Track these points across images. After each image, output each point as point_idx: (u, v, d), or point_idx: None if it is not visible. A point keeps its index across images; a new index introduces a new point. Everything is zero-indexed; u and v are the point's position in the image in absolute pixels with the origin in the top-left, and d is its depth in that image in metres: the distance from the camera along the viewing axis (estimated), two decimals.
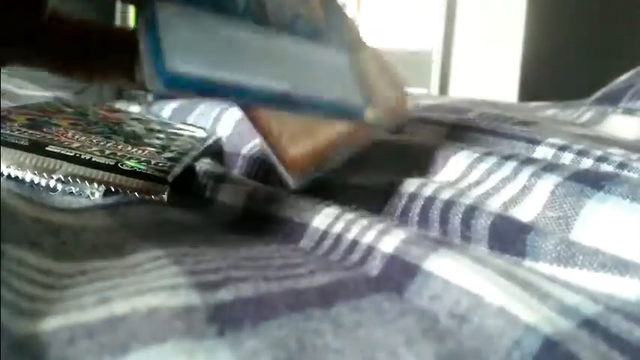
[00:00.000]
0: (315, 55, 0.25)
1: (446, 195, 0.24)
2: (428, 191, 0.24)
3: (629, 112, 0.47)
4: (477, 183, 0.26)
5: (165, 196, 0.27)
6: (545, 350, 0.14)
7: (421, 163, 0.28)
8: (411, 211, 0.24)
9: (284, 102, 0.22)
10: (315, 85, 0.24)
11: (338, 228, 0.22)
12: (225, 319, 0.15)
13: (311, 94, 0.23)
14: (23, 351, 0.13)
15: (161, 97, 0.22)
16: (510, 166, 0.26)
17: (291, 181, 0.27)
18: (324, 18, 0.26)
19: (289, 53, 0.24)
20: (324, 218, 0.23)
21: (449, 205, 0.23)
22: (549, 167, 0.25)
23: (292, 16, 0.25)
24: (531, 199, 0.23)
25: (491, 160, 0.27)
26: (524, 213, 0.23)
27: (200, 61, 0.21)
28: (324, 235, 0.22)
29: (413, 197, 0.24)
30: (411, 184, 0.26)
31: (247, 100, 0.22)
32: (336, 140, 0.27)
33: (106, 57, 0.24)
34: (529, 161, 0.26)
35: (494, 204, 0.24)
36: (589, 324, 0.15)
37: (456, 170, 0.27)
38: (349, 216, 0.22)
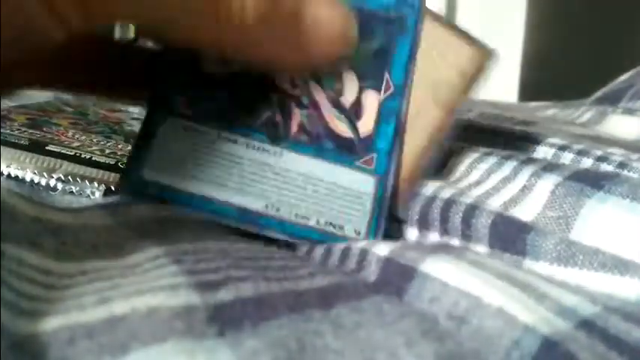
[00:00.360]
0: (328, 178, 0.23)
1: (446, 194, 0.24)
2: (428, 191, 0.24)
3: (629, 112, 0.47)
4: (477, 183, 0.26)
5: None
6: (544, 350, 0.14)
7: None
8: (410, 209, 0.24)
9: (251, 222, 0.23)
10: (300, 207, 0.23)
11: None
12: (225, 319, 0.15)
13: (288, 218, 0.23)
14: (23, 351, 0.13)
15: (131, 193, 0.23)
16: (510, 165, 0.26)
17: (401, 212, 0.25)
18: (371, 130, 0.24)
19: (293, 175, 0.23)
20: None
21: (449, 203, 0.23)
22: (549, 167, 0.25)
23: (322, 134, 0.24)
24: (531, 199, 0.23)
25: (491, 160, 0.27)
26: (524, 213, 0.23)
27: (174, 172, 0.22)
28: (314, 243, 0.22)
29: (413, 196, 0.24)
30: None
31: (217, 215, 0.23)
32: (426, 145, 0.25)
33: (118, 74, 0.24)
34: (529, 161, 0.26)
35: (495, 203, 0.24)
36: (587, 324, 0.15)
37: (456, 170, 0.27)
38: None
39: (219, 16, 0.18)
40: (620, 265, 0.18)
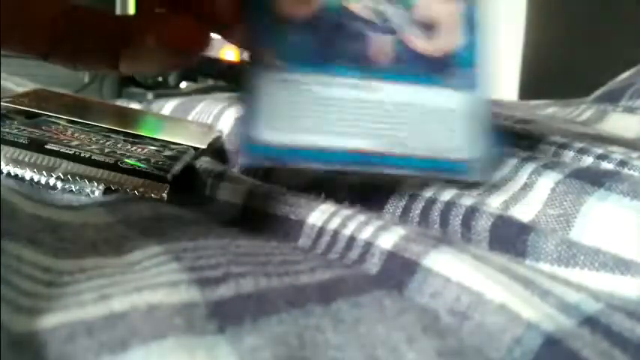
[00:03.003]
0: (421, 102, 0.23)
1: (446, 196, 0.23)
2: (428, 193, 0.24)
3: (630, 110, 0.47)
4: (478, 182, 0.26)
5: (165, 195, 0.27)
6: (546, 347, 0.14)
7: None
8: (411, 212, 0.24)
9: (374, 164, 0.23)
10: (414, 141, 0.23)
11: (334, 224, 0.22)
12: (225, 315, 0.15)
13: (406, 151, 0.23)
14: (23, 348, 0.13)
15: (251, 164, 0.23)
16: (511, 164, 0.26)
17: None
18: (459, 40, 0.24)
19: (389, 107, 0.23)
20: (320, 214, 0.22)
21: (449, 206, 0.23)
22: (550, 164, 0.25)
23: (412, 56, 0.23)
24: (532, 197, 0.23)
25: None
26: (524, 211, 0.23)
27: (288, 129, 0.22)
28: (321, 231, 0.22)
29: (414, 197, 0.24)
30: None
31: (335, 164, 0.22)
32: None
33: (92, 43, 0.23)
34: (529, 159, 0.26)
35: (495, 203, 0.24)
36: (590, 322, 0.15)
37: None
38: (346, 212, 0.22)
39: None
40: (621, 265, 0.18)
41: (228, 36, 0.24)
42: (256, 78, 0.22)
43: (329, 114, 0.22)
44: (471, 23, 0.24)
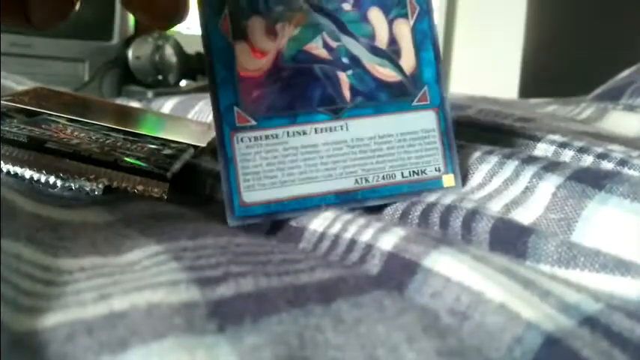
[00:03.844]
0: (394, 130, 0.24)
1: (447, 200, 0.23)
2: (429, 197, 0.24)
3: (630, 108, 0.47)
4: (480, 186, 0.26)
5: (164, 194, 0.27)
6: (546, 347, 0.14)
7: None
8: (411, 214, 0.24)
9: (360, 200, 0.23)
10: (394, 168, 0.24)
11: (335, 229, 0.22)
12: (225, 315, 0.15)
13: (389, 181, 0.24)
14: (23, 347, 0.13)
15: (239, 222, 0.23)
16: (512, 165, 0.26)
17: None
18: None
19: (365, 142, 0.24)
20: (322, 221, 0.23)
21: (450, 209, 0.23)
22: (550, 167, 0.24)
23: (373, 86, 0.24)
24: (533, 201, 0.23)
25: (492, 160, 0.26)
26: (525, 215, 0.23)
27: (270, 186, 0.22)
28: (322, 236, 0.22)
29: (414, 201, 0.24)
30: None
31: (315, 207, 0.23)
32: None
33: None
34: (530, 160, 0.25)
35: (496, 206, 0.24)
36: (590, 322, 0.15)
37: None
38: (346, 217, 0.22)
39: None
40: (621, 266, 0.18)
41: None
42: (229, 140, 0.22)
43: (307, 162, 0.23)
44: (424, 38, 0.25)
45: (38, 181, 0.26)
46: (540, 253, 0.20)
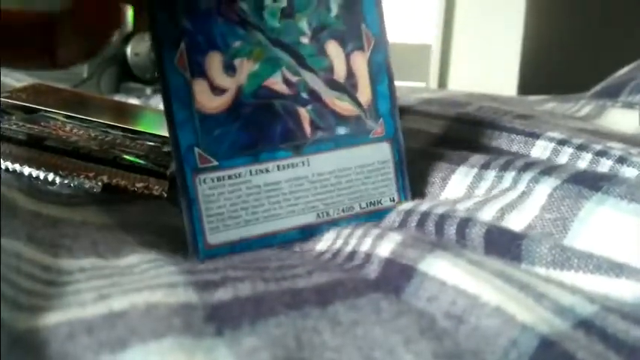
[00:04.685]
0: (354, 163, 0.24)
1: (440, 210, 0.23)
2: (423, 207, 0.24)
3: (629, 105, 0.47)
4: (479, 198, 0.26)
5: (164, 192, 0.27)
6: (541, 350, 0.14)
7: (418, 187, 0.28)
8: (407, 224, 0.24)
9: (323, 231, 0.24)
10: (354, 200, 0.24)
11: (337, 244, 0.22)
12: (223, 318, 0.15)
13: (349, 213, 0.24)
14: (23, 346, 0.13)
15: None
16: (509, 177, 0.25)
17: None
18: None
19: (326, 176, 0.24)
20: (324, 242, 0.23)
21: (444, 217, 0.23)
22: (548, 170, 0.24)
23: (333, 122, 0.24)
24: (529, 203, 0.23)
25: (490, 175, 0.26)
26: (521, 216, 0.23)
27: (234, 226, 0.22)
28: (323, 253, 0.22)
29: (410, 212, 0.24)
30: (408, 204, 0.25)
31: (287, 244, 0.23)
32: None
33: (26, 41, 0.23)
34: (527, 166, 0.25)
35: (491, 210, 0.23)
36: (585, 324, 0.15)
37: (457, 192, 0.27)
38: (346, 231, 0.23)
39: None
40: (615, 268, 0.18)
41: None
42: (191, 182, 0.22)
43: (270, 199, 0.23)
44: (379, 70, 0.25)
45: (37, 178, 0.26)
46: (534, 255, 0.20)
